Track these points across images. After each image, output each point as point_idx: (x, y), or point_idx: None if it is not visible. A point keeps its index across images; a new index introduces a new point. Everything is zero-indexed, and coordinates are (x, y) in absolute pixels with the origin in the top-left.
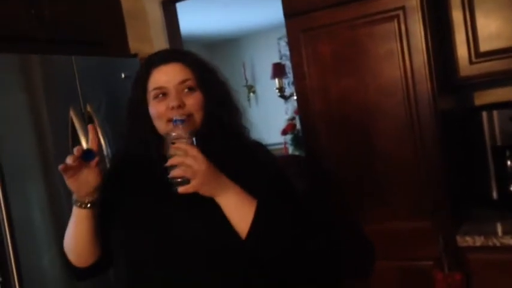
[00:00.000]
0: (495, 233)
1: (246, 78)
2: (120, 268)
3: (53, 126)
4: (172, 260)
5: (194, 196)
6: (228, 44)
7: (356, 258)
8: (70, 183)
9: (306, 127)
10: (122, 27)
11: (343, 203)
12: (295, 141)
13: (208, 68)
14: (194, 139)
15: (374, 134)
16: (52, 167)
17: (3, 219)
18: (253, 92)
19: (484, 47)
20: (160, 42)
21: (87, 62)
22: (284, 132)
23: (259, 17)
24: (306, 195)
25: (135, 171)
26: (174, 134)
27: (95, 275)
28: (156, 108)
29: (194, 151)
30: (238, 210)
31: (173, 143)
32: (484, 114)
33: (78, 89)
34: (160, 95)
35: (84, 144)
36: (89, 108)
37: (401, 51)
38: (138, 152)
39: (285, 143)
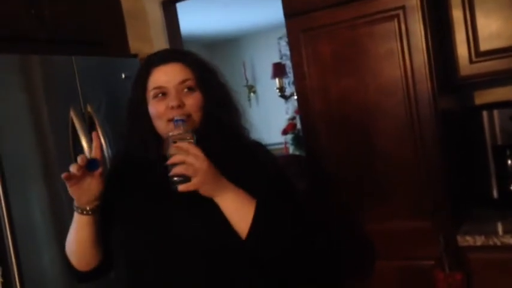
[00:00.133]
0: (496, 233)
1: (246, 78)
2: (121, 268)
3: (53, 126)
4: (172, 259)
5: (194, 196)
6: (228, 44)
7: (356, 258)
8: (72, 190)
9: (306, 127)
10: (122, 27)
11: (343, 202)
12: (296, 141)
13: (208, 68)
14: (194, 139)
15: (374, 133)
16: (52, 167)
17: (3, 219)
18: (254, 92)
19: (484, 46)
20: (160, 42)
21: (87, 62)
22: (285, 132)
23: (259, 16)
24: (306, 195)
25: (135, 171)
26: (175, 133)
27: (96, 278)
28: (155, 108)
29: (195, 150)
30: (238, 211)
31: (174, 142)
32: (485, 113)
33: (79, 89)
34: (160, 95)
35: (84, 144)
36: (89, 109)
37: (402, 51)
38: (137, 152)
39: (286, 142)
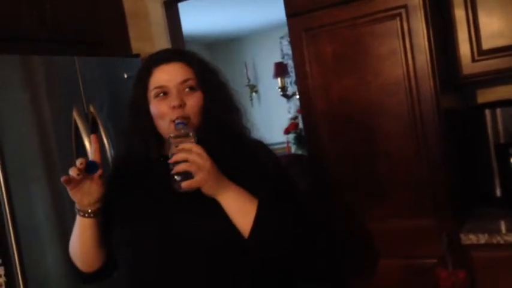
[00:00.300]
0: (499, 231)
1: (248, 78)
2: (122, 268)
3: (55, 126)
4: (173, 259)
5: (194, 195)
6: (230, 44)
7: (359, 257)
8: (72, 194)
9: (308, 126)
10: (123, 27)
11: (345, 201)
12: (298, 140)
13: (210, 68)
14: (195, 139)
15: (376, 132)
16: (55, 167)
17: (7, 219)
18: (256, 92)
19: (486, 44)
20: (162, 42)
21: (89, 63)
22: (287, 131)
23: (261, 16)
24: (307, 194)
25: (136, 171)
26: (176, 133)
27: (100, 279)
28: (158, 108)
29: (198, 149)
30: (240, 209)
31: (176, 142)
32: (487, 112)
33: (81, 89)
34: (161, 94)
35: (87, 145)
36: (91, 109)
37: (404, 50)
38: (139, 152)
39: (288, 142)
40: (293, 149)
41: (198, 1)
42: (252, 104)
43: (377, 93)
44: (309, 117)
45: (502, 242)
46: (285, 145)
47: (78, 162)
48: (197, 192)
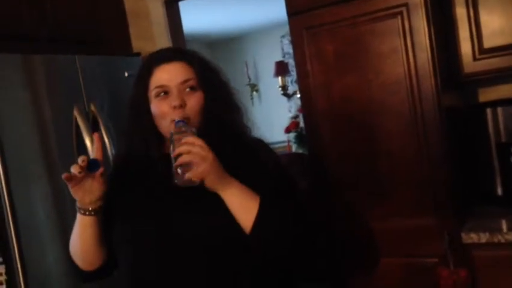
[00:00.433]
0: (500, 230)
1: (248, 77)
2: (122, 265)
3: (56, 125)
4: (173, 257)
5: (195, 194)
6: (230, 43)
7: (360, 256)
8: (74, 192)
9: (310, 125)
10: (124, 26)
11: (346, 200)
12: (299, 139)
13: (211, 67)
14: (196, 135)
15: (377, 131)
16: (56, 166)
17: (8, 218)
18: (256, 91)
19: (487, 43)
20: (163, 41)
21: (90, 61)
22: (287, 130)
23: (261, 15)
24: (307, 194)
25: (136, 169)
26: (178, 129)
27: (101, 277)
28: (158, 108)
29: (201, 141)
30: (243, 205)
31: (178, 138)
32: (488, 110)
33: (82, 88)
34: (162, 94)
35: (88, 143)
36: (92, 107)
37: (405, 49)
38: (139, 151)
39: (288, 141)
40: (294, 148)
41: (198, 0)
42: (252, 103)
43: (378, 92)
44: (310, 116)
45: (503, 240)
46: (286, 144)
47: (80, 159)
48: (197, 191)
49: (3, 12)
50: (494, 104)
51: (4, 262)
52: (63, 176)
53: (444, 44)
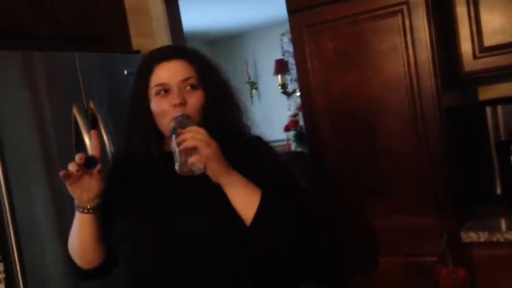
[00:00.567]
0: (499, 229)
1: (248, 75)
2: (122, 265)
3: (55, 123)
4: (173, 256)
5: (195, 193)
6: (230, 41)
7: (360, 255)
8: (71, 189)
9: (310, 123)
10: (124, 23)
11: (346, 199)
12: (298, 138)
13: (211, 65)
14: None
15: (377, 129)
16: (55, 164)
17: (7, 217)
18: (256, 89)
19: (488, 41)
20: (163, 39)
21: (90, 59)
22: (287, 129)
23: (261, 13)
24: (308, 193)
25: (136, 167)
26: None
27: (100, 276)
28: (159, 106)
29: (203, 130)
30: (244, 197)
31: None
32: (488, 109)
33: (81, 85)
34: (162, 92)
35: (87, 141)
36: (91, 105)
37: (405, 47)
38: (139, 148)
39: (288, 139)
40: (293, 146)
41: None
42: (252, 101)
43: (378, 90)
44: (310, 115)
45: (502, 240)
46: (285, 142)
47: (77, 157)
48: (198, 190)
49: (4, 10)
50: (494, 102)
51: (3, 260)
52: (61, 173)
53: (444, 42)
